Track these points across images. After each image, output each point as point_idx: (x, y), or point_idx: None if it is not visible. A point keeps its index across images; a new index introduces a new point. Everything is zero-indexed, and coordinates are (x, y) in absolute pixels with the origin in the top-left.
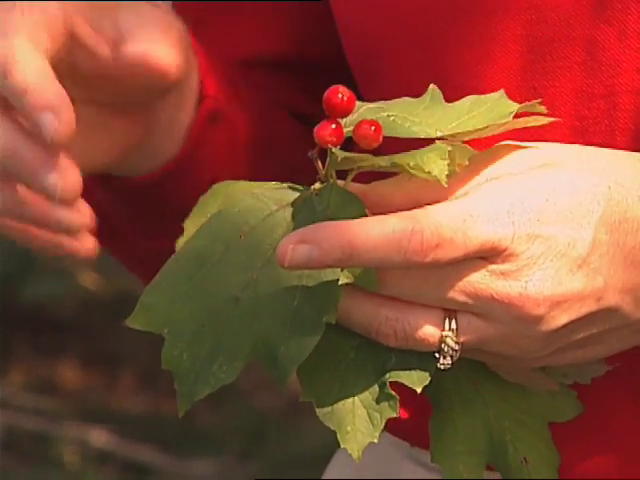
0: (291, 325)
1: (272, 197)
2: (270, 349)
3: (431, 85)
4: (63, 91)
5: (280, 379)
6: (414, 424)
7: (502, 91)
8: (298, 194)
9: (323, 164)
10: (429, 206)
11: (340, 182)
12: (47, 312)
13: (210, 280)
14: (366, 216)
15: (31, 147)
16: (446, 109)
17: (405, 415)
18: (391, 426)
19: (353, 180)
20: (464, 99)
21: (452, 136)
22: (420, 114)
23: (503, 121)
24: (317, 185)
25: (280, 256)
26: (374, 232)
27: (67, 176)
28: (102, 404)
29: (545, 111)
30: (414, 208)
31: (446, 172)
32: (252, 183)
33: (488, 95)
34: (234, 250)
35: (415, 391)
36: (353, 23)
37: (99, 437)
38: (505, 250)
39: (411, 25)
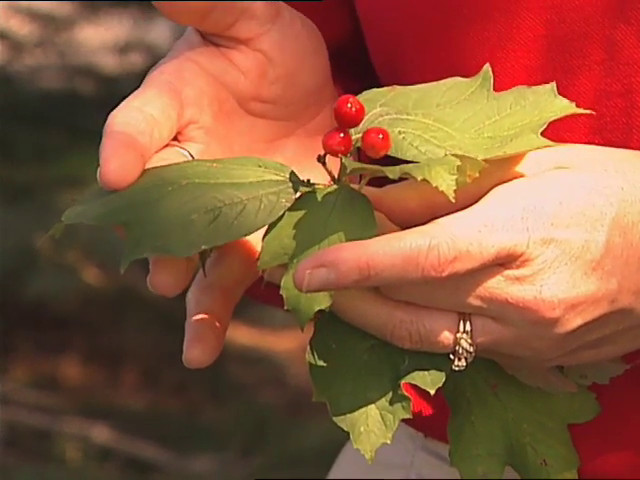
0: None
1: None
2: None
3: (486, 65)
4: (124, 137)
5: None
6: (430, 415)
7: (553, 84)
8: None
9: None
10: (443, 219)
11: (355, 186)
12: (49, 308)
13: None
14: (373, 218)
15: None
16: (490, 100)
17: (421, 407)
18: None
19: (368, 183)
20: (512, 89)
21: (461, 156)
22: (460, 108)
23: (542, 122)
24: (321, 185)
25: (297, 280)
26: (391, 252)
27: None
28: (104, 400)
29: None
30: (428, 211)
31: (454, 187)
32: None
33: (536, 87)
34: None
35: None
36: (376, 21)
37: (101, 433)
38: (521, 256)
39: (433, 24)
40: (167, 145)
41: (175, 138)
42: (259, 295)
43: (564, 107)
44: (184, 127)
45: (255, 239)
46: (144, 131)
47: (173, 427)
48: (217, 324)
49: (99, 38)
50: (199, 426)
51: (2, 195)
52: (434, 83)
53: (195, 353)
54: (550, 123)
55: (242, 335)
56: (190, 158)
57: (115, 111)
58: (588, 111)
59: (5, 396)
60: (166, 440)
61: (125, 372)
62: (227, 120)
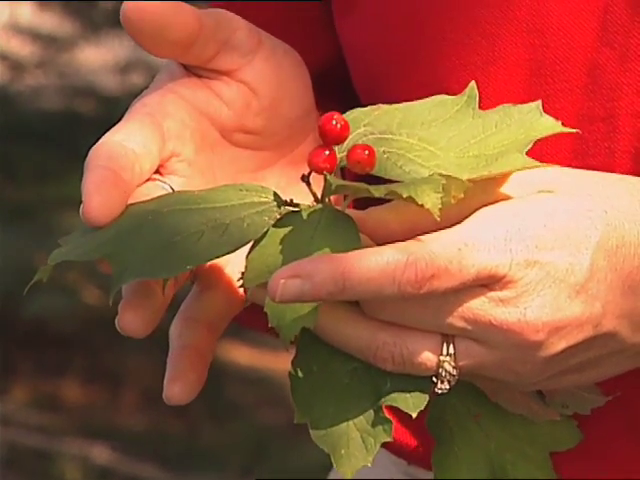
0: None
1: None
2: None
3: (472, 83)
4: (103, 173)
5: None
6: (411, 444)
7: (539, 103)
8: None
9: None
10: (424, 236)
11: (338, 207)
12: (50, 329)
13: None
14: (358, 236)
15: None
16: (475, 118)
17: (403, 436)
18: (389, 444)
19: (350, 205)
20: (497, 108)
21: (446, 176)
22: (445, 126)
23: (527, 141)
24: (304, 205)
25: (272, 290)
26: (367, 265)
27: None
28: (104, 421)
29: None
30: (411, 234)
31: (439, 205)
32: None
33: (522, 106)
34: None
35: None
36: (359, 46)
37: (101, 454)
38: (504, 277)
39: (416, 48)
40: (149, 179)
41: (158, 171)
42: (243, 319)
43: (550, 126)
44: (166, 160)
45: (237, 270)
46: (126, 166)
47: (173, 447)
48: (198, 359)
49: (100, 58)
50: (199, 446)
51: (2, 215)
52: (419, 101)
53: (175, 391)
54: (532, 147)
55: (242, 355)
56: (171, 192)
57: (97, 145)
58: (573, 130)
59: (5, 416)
60: (166, 460)
61: (125, 392)
62: (210, 152)
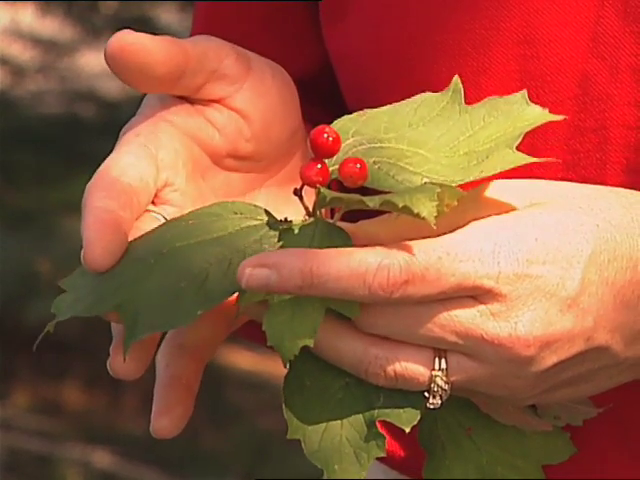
0: None
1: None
2: None
3: (455, 77)
4: (105, 217)
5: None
6: (402, 456)
7: (524, 92)
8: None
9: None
10: (408, 242)
11: (329, 221)
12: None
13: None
14: (351, 246)
15: None
16: (462, 114)
17: (393, 448)
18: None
19: (342, 217)
20: (484, 100)
21: (440, 184)
22: (432, 125)
23: (516, 133)
24: (297, 220)
25: (239, 277)
26: (338, 263)
27: None
28: (105, 425)
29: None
30: None
31: (435, 214)
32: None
33: (508, 97)
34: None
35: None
36: (347, 56)
37: (102, 458)
38: (491, 290)
39: (405, 59)
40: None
41: (152, 201)
42: (241, 331)
43: (537, 115)
44: (160, 190)
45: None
46: (125, 205)
47: (174, 452)
48: (185, 391)
49: (100, 63)
50: (200, 451)
51: (3, 220)
52: (404, 101)
53: (163, 424)
54: (522, 161)
55: (242, 360)
56: (165, 222)
57: (93, 183)
58: (561, 117)
59: (6, 421)
60: (167, 465)
61: (126, 397)
62: (200, 179)
